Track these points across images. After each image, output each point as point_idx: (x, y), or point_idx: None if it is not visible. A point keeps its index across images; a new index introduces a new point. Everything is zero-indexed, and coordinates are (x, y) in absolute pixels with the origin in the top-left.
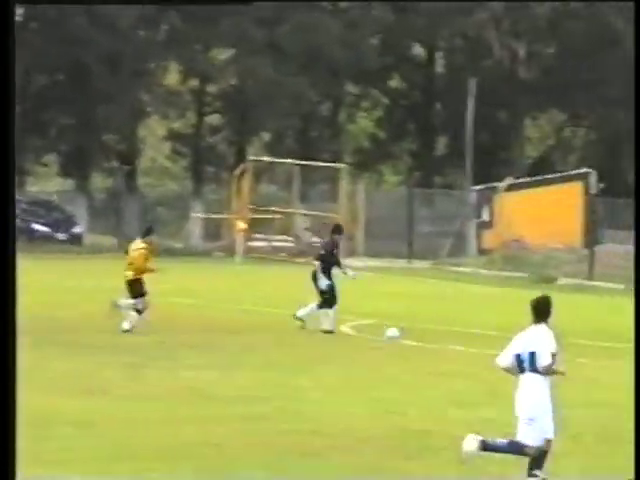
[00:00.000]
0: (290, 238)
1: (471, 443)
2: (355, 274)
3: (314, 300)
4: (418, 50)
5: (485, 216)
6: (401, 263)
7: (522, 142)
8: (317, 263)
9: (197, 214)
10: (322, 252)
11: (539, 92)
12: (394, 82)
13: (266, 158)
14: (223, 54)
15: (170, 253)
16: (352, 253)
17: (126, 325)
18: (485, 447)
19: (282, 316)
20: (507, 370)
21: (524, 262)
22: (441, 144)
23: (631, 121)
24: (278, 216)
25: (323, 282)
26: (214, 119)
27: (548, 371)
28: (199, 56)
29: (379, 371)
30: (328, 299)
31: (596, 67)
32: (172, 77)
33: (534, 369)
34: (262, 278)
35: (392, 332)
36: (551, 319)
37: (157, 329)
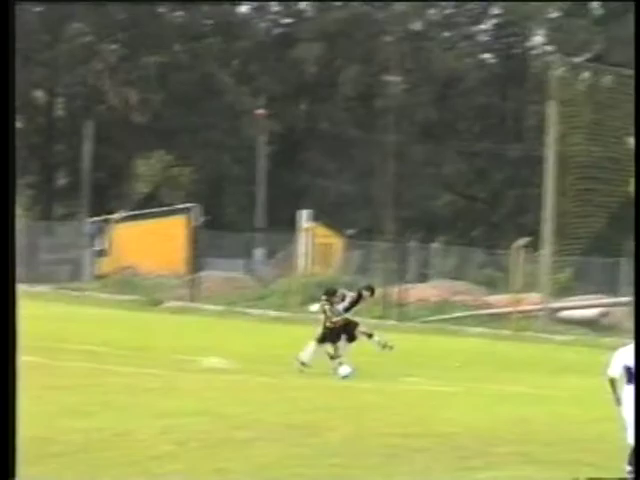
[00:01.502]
0: None
1: None
2: None
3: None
4: (39, 95)
5: (100, 245)
6: (24, 288)
7: (134, 179)
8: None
9: None
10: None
11: (149, 134)
12: (17, 123)
13: None
14: None
15: None
16: None
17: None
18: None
19: None
20: (614, 380)
21: (136, 286)
22: (61, 180)
23: (230, 163)
24: None
25: None
26: None
27: None
28: None
29: None
30: None
31: (199, 113)
32: None
33: None
34: None
35: (345, 370)
36: None
37: None
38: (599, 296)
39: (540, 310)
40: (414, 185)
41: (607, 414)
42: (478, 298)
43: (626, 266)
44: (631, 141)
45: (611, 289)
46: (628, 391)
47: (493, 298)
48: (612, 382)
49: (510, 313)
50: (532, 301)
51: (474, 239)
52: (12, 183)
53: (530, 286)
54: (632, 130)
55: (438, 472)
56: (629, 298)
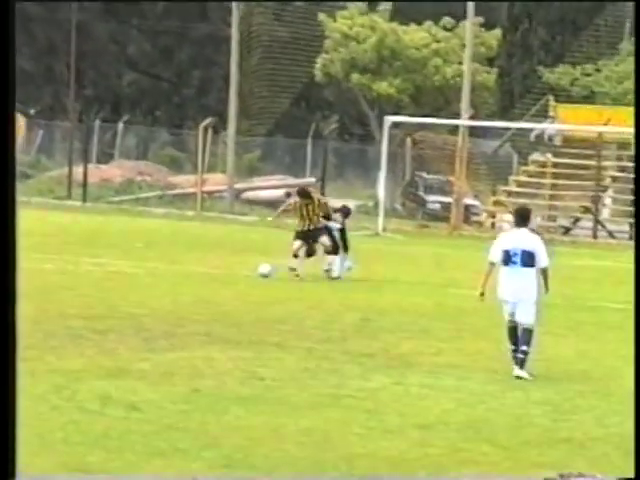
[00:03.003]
0: None
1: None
2: None
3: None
4: None
5: None
6: None
7: None
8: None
9: None
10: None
11: None
12: None
13: None
14: None
15: None
16: None
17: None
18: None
19: None
20: (492, 264)
21: None
22: None
23: None
24: None
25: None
26: None
27: (547, 269)
28: None
29: None
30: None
31: None
32: None
33: (527, 264)
34: None
35: (264, 269)
36: (531, 225)
37: None
38: (284, 177)
39: (225, 191)
40: (97, 63)
41: (290, 295)
42: (162, 178)
43: (311, 147)
44: (323, 19)
45: (296, 170)
46: (503, 272)
47: (178, 178)
48: (491, 265)
49: (195, 194)
50: (217, 182)
51: (158, 119)
52: (12, 175)
53: (215, 167)
54: (321, 8)
55: (123, 354)
56: (313, 179)
